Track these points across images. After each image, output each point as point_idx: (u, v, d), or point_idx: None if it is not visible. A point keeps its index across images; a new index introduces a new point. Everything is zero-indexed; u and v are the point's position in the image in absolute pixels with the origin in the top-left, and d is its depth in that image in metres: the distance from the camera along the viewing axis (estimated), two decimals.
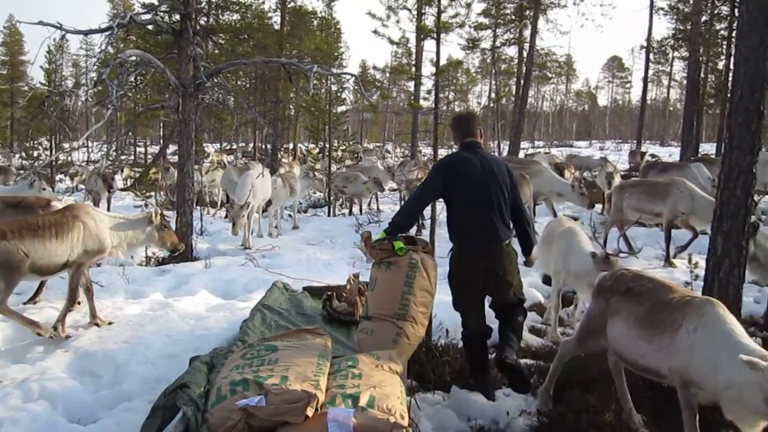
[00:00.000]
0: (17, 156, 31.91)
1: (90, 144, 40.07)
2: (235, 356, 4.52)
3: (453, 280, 5.32)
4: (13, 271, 6.28)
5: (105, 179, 15.54)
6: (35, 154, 26.42)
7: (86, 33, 10.03)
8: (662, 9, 36.98)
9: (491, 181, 5.06)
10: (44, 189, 11.64)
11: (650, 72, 47.25)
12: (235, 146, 45.58)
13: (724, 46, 32.44)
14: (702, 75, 25.88)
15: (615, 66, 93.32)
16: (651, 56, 41.93)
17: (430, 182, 5.09)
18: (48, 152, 24.74)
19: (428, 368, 5.60)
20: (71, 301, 6.91)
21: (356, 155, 31.02)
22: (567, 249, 7.21)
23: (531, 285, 9.36)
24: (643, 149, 35.51)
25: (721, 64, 34.51)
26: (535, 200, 14.60)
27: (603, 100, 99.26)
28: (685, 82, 32.04)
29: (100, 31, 9.79)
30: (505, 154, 31.50)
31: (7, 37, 53.45)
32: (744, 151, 5.71)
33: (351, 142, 31.49)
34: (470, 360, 5.54)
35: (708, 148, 37.79)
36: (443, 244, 5.96)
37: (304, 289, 7.61)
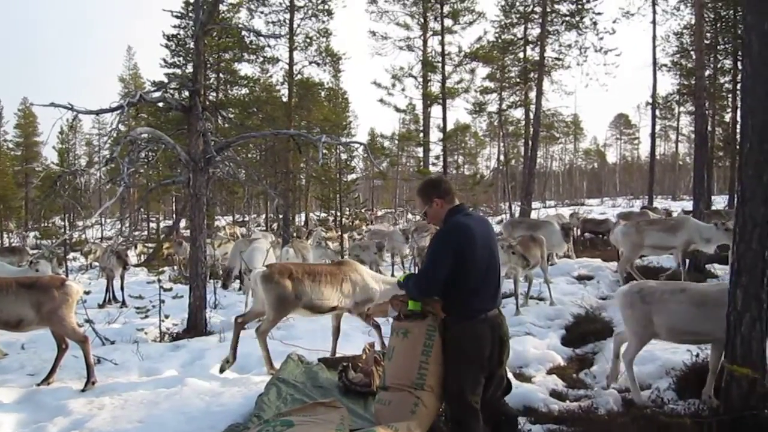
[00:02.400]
0: (31, 236, 32.17)
1: (103, 221, 40.49)
2: None
3: (457, 353, 4.81)
4: (286, 307, 7.90)
5: (119, 256, 15.56)
6: (49, 233, 26.61)
7: (97, 113, 10.17)
8: (665, 65, 37.33)
9: (492, 243, 4.97)
10: (37, 270, 11.75)
11: (657, 127, 47.68)
12: (247, 218, 45.82)
13: (730, 99, 32.68)
14: (709, 128, 25.96)
15: (622, 123, 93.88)
16: (657, 112, 42.28)
17: (442, 257, 4.74)
18: (62, 231, 24.89)
19: None
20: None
21: (368, 222, 31.10)
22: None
23: (550, 347, 9.23)
24: (655, 204, 35.49)
25: (727, 117, 34.72)
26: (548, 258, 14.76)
27: (612, 157, 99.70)
28: (693, 135, 32.13)
29: (111, 110, 9.92)
30: (517, 215, 31.46)
31: (21, 119, 54.44)
32: (757, 203, 5.64)
33: (362, 210, 31.60)
34: None
35: (720, 200, 37.62)
36: None
37: (320, 360, 7.52)
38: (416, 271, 12.61)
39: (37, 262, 12.24)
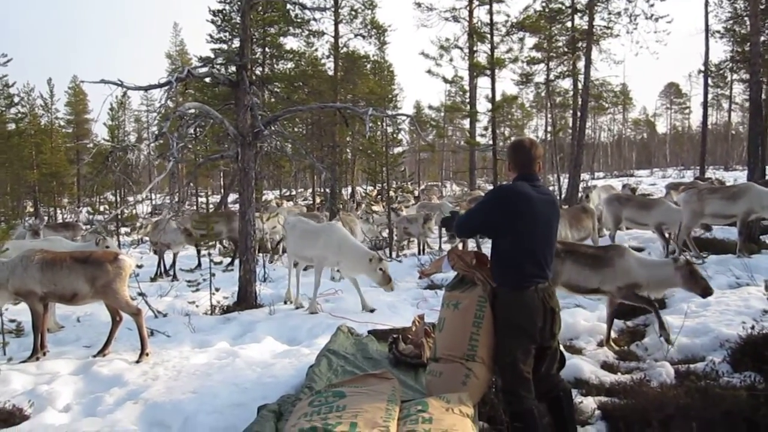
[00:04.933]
0: (84, 211, 32.71)
1: (153, 196, 41.04)
2: (303, 404, 4.47)
3: (507, 323, 4.77)
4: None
5: (187, 232, 15.71)
6: (101, 208, 27.01)
7: (146, 89, 10.25)
8: (718, 32, 36.35)
9: (552, 216, 4.88)
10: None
11: (710, 96, 46.59)
12: (294, 192, 46.06)
13: None
14: (764, 95, 25.25)
15: (672, 92, 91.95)
16: (709, 80, 41.23)
17: (488, 210, 4.78)
18: (113, 206, 25.28)
19: (499, 410, 5.43)
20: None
21: (415, 195, 31.02)
22: None
23: (600, 319, 9.13)
24: (707, 174, 34.78)
25: None
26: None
27: (662, 127, 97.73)
28: (746, 104, 31.40)
29: (160, 86, 10.00)
30: (564, 187, 31.09)
31: (71, 97, 55.22)
32: None
33: (409, 183, 31.51)
34: None
35: None
36: None
37: (369, 332, 7.55)
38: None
39: (105, 239, 12.41)
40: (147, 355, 7.72)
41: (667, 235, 14.70)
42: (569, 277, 8.09)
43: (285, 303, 11.48)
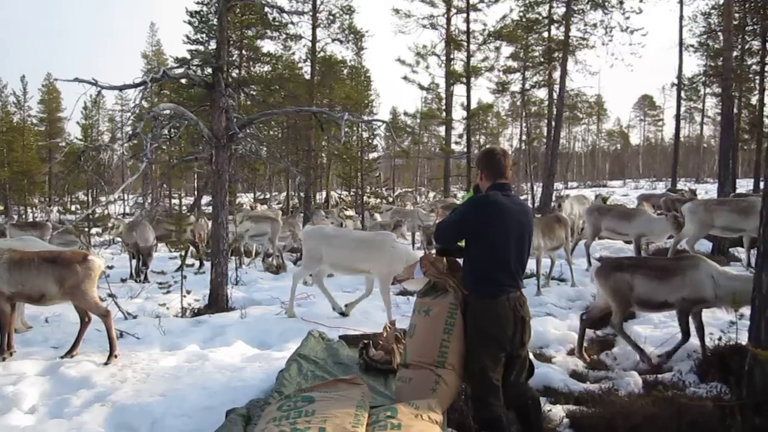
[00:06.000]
0: (55, 210, 32.38)
1: (126, 197, 40.72)
2: (272, 408, 4.46)
3: (478, 331, 4.77)
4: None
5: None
6: (73, 208, 26.78)
7: (121, 88, 10.19)
8: (692, 46, 36.90)
9: (525, 227, 4.90)
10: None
11: (682, 109, 47.13)
12: (268, 195, 45.94)
13: (757, 81, 32.20)
14: (735, 110, 25.60)
15: (646, 104, 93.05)
16: (683, 93, 41.78)
17: (467, 218, 4.78)
18: (85, 206, 25.08)
19: (469, 417, 5.44)
20: None
21: (389, 201, 31.07)
22: None
23: (571, 328, 9.20)
24: (679, 186, 35.18)
25: (754, 99, 34.22)
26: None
27: (635, 138, 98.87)
28: (718, 118, 31.76)
29: (135, 86, 9.95)
30: (538, 195, 31.30)
31: (45, 95, 54.74)
32: None
33: (383, 188, 31.55)
34: None
35: (745, 184, 37.24)
36: None
37: (340, 337, 7.55)
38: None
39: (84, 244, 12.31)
40: (116, 357, 7.64)
41: (644, 246, 14.86)
42: (639, 292, 7.78)
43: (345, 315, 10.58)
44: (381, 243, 10.26)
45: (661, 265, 8.01)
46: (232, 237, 17.34)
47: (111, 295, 10.64)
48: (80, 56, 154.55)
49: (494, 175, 4.89)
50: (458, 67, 33.15)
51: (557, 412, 5.91)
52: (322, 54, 31.38)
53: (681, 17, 36.01)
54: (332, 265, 10.73)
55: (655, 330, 8.24)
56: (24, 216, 39.13)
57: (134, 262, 15.70)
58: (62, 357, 7.83)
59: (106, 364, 7.46)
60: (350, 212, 23.38)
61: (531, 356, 5.21)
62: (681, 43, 36.06)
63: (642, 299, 7.82)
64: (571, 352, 8.27)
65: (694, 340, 7.78)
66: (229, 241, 11.74)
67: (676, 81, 38.13)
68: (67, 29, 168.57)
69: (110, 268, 15.46)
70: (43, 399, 6.37)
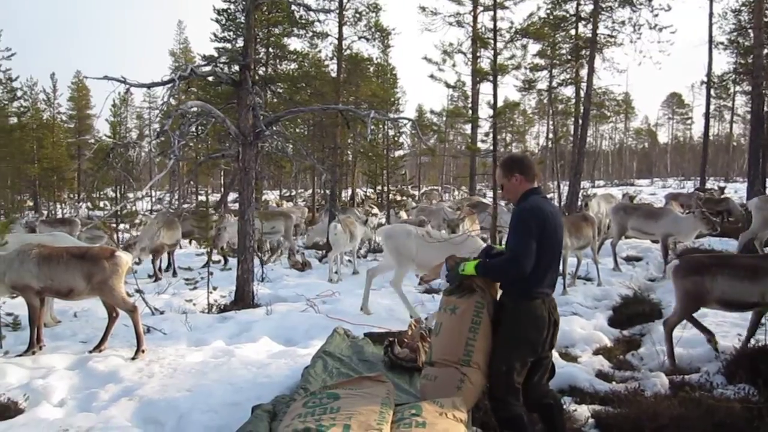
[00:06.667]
0: (84, 206, 32.73)
1: (153, 193, 41.06)
2: (298, 404, 4.47)
3: (514, 334, 4.72)
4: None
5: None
6: (101, 204, 27.03)
7: (149, 86, 10.28)
8: (722, 43, 36.42)
9: (560, 229, 4.89)
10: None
11: (712, 107, 46.60)
12: (294, 193, 46.07)
13: None
14: (766, 108, 25.28)
15: (675, 102, 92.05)
16: (712, 91, 41.28)
17: (534, 231, 4.60)
18: (113, 202, 25.30)
19: (493, 416, 5.44)
20: None
21: (415, 198, 31.03)
22: None
23: (597, 328, 9.15)
24: (708, 185, 34.81)
25: None
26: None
27: (663, 137, 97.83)
28: (748, 116, 31.39)
29: (163, 83, 10.02)
30: (564, 194, 31.10)
31: (74, 92, 55.26)
32: None
33: (409, 186, 31.52)
34: None
35: None
36: None
37: (366, 335, 7.55)
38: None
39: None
40: (143, 352, 7.71)
41: (672, 246, 14.73)
42: (722, 292, 7.45)
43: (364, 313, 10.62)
44: (472, 243, 10.26)
45: (749, 264, 7.63)
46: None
47: (138, 291, 10.75)
48: (108, 54, 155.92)
49: (532, 178, 4.89)
50: (485, 64, 32.79)
51: (582, 411, 5.88)
52: (348, 52, 31.33)
53: (711, 14, 35.60)
54: (419, 265, 10.53)
55: (682, 331, 8.15)
56: (53, 212, 39.59)
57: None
58: (90, 351, 7.93)
59: (133, 358, 7.54)
60: (375, 210, 23.36)
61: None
62: (711, 41, 35.64)
63: (727, 300, 7.50)
64: (597, 352, 8.23)
65: (722, 341, 7.71)
66: (255, 237, 11.78)
67: (705, 79, 37.69)
68: (95, 27, 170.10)
69: (137, 264, 15.57)
70: (72, 392, 6.45)
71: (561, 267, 12.03)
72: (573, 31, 34.33)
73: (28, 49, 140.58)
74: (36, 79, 50.62)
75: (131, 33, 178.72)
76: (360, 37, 31.75)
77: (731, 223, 20.62)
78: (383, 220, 20.81)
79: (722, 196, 23.98)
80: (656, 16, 31.45)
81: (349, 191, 39.96)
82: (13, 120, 38.91)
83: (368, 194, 36.14)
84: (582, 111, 32.38)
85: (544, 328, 4.67)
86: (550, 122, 44.85)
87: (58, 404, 6.15)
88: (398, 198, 24.69)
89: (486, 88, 33.24)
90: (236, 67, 11.63)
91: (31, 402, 6.10)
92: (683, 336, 8.02)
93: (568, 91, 38.24)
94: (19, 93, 40.52)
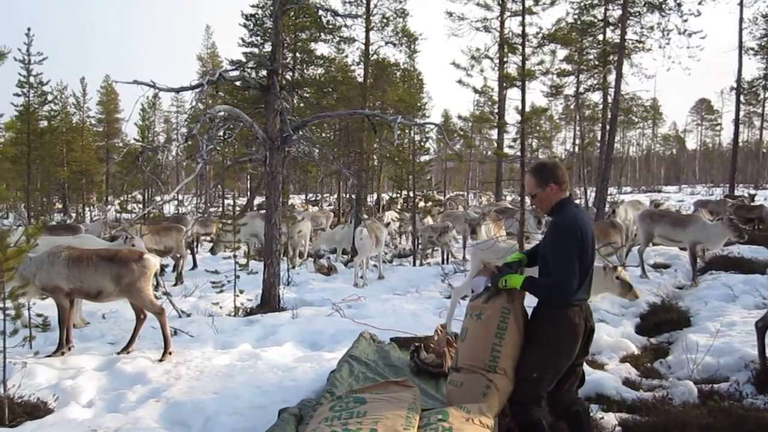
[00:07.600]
0: (112, 209, 33.00)
1: (180, 197, 41.35)
2: (324, 408, 4.49)
3: (551, 341, 4.65)
4: None
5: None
6: (129, 207, 27.28)
7: (178, 90, 10.36)
8: (752, 49, 36.13)
9: (593, 236, 4.85)
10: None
11: (741, 113, 46.04)
12: (320, 197, 46.20)
13: None
14: None
15: (703, 108, 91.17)
16: (742, 97, 40.85)
17: (575, 246, 4.57)
18: (141, 206, 25.54)
19: (513, 420, 5.42)
20: None
21: (441, 204, 30.95)
22: None
23: (624, 335, 9.08)
24: (737, 192, 34.46)
25: None
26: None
27: (692, 143, 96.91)
28: None
29: (191, 88, 10.11)
30: (591, 200, 30.89)
31: (103, 96, 55.80)
32: None
33: (435, 191, 31.44)
34: None
35: None
36: None
37: (391, 339, 7.56)
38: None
39: (132, 238, 12.49)
40: (170, 354, 7.78)
41: (700, 254, 14.57)
42: None
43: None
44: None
45: None
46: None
47: (166, 293, 10.84)
48: (133, 58, 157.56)
49: (565, 187, 4.83)
50: (512, 70, 32.79)
51: (609, 419, 5.84)
52: (375, 57, 31.36)
53: (741, 19, 35.24)
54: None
55: (711, 339, 8.06)
56: (82, 215, 39.99)
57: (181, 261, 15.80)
58: (119, 353, 8.01)
59: (160, 360, 7.60)
60: (387, 219, 23.35)
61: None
62: (741, 46, 35.29)
63: None
64: (624, 359, 8.16)
65: (751, 350, 7.61)
66: (282, 241, 11.82)
67: (735, 85, 37.33)
68: (123, 32, 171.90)
69: (165, 267, 15.68)
70: (100, 393, 6.53)
71: None
72: (601, 37, 34.09)
73: (60, 53, 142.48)
74: (66, 83, 51.26)
75: (158, 37, 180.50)
76: (387, 42, 31.83)
77: (762, 231, 20.36)
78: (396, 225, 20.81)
79: (755, 203, 23.67)
80: (685, 21, 31.14)
81: (375, 196, 39.98)
82: (44, 123, 39.31)
83: (395, 198, 36.12)
84: (609, 117, 32.08)
85: (581, 335, 4.63)
86: (577, 128, 44.57)
87: (86, 405, 6.23)
88: (424, 204, 24.65)
89: (513, 93, 33.25)
90: (264, 72, 11.69)
91: (61, 402, 6.17)
92: (714, 345, 7.93)
93: (596, 97, 38.00)
94: (49, 97, 40.94)
